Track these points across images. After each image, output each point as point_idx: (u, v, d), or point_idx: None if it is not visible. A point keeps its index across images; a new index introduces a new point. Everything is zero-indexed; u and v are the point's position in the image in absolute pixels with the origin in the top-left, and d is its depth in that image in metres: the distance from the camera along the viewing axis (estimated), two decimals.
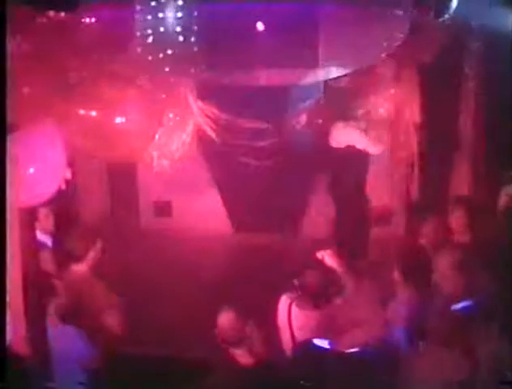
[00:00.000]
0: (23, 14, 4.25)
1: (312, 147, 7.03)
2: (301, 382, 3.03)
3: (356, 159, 6.35)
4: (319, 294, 3.64)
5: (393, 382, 3.14)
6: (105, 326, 4.16)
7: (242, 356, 3.48)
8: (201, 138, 7.05)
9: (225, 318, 3.53)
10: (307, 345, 3.29)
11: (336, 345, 3.12)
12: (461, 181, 6.53)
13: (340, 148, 6.32)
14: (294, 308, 3.88)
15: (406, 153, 6.55)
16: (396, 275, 3.98)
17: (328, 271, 3.90)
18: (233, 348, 3.50)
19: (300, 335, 3.79)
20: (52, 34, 4.67)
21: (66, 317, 3.84)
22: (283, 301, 3.97)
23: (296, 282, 3.87)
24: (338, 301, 3.32)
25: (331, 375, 3.07)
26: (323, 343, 3.17)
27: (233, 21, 6.22)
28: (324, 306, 3.29)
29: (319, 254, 4.00)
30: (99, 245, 4.58)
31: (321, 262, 3.95)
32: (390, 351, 3.40)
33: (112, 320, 4.26)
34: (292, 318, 3.86)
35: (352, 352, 3.12)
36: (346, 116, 6.44)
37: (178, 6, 5.86)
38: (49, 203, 4.49)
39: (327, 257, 4.00)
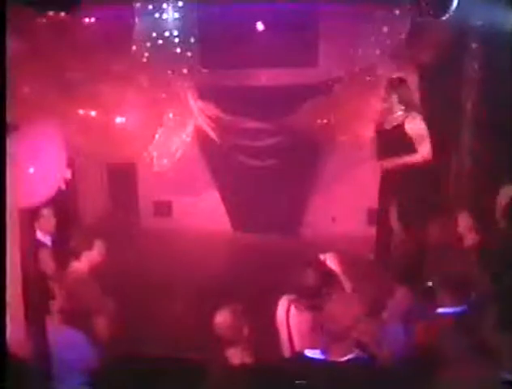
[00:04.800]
0: (23, 14, 4.26)
1: (312, 147, 7.04)
2: (296, 381, 3.01)
3: None
4: (318, 296, 3.62)
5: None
6: (104, 326, 4.15)
7: (240, 357, 3.47)
8: (201, 138, 7.06)
9: (223, 317, 3.52)
10: (299, 356, 3.26)
11: (328, 355, 3.08)
12: (461, 181, 6.53)
13: None
14: (292, 310, 3.86)
15: None
16: (395, 276, 3.98)
17: (327, 272, 3.88)
18: (230, 347, 3.49)
19: (298, 338, 3.77)
20: (52, 34, 4.68)
21: (65, 317, 3.84)
22: (282, 303, 3.95)
23: (295, 283, 3.84)
24: (336, 302, 3.29)
25: (327, 381, 3.05)
26: (315, 353, 3.13)
27: (233, 21, 6.27)
28: (322, 308, 3.26)
29: (321, 256, 3.99)
30: (99, 244, 4.58)
31: (320, 264, 3.93)
32: (386, 354, 3.39)
33: (111, 320, 4.26)
34: (291, 320, 3.83)
35: (345, 361, 3.08)
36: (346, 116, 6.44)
37: (178, 6, 5.90)
38: (49, 203, 4.49)
39: (329, 259, 3.99)
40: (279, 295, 4.03)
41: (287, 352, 3.78)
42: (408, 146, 5.70)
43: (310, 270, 3.76)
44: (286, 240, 7.11)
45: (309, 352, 3.15)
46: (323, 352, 3.09)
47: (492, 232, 4.72)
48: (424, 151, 5.68)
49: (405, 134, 5.68)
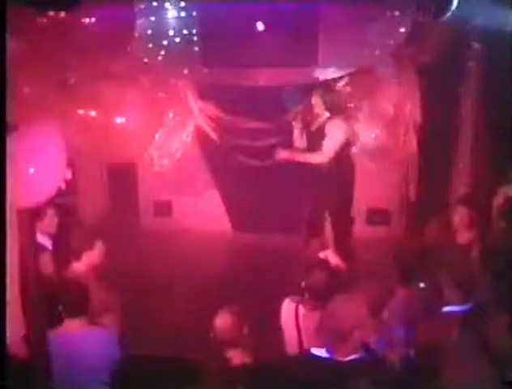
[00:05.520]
0: (23, 14, 4.25)
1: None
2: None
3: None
4: (327, 295, 3.60)
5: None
6: (104, 326, 4.14)
7: (240, 357, 3.46)
8: (201, 138, 7.06)
9: (223, 320, 3.51)
10: (306, 355, 3.25)
11: (334, 355, 3.08)
12: (461, 182, 6.53)
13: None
14: (302, 311, 3.82)
15: (406, 153, 6.55)
16: (395, 276, 3.98)
17: (333, 270, 3.87)
18: (230, 348, 3.48)
19: (309, 338, 3.73)
20: (52, 34, 4.67)
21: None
22: (288, 304, 3.92)
23: (302, 284, 3.81)
24: (342, 302, 3.28)
25: (330, 380, 3.04)
26: (321, 351, 3.12)
27: (233, 21, 6.25)
28: (329, 308, 3.25)
29: (322, 254, 3.98)
30: (100, 245, 4.57)
31: (326, 262, 3.93)
32: (387, 353, 3.38)
33: (111, 320, 4.25)
34: (300, 321, 3.79)
35: (349, 360, 3.07)
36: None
37: (178, 6, 5.89)
38: (49, 203, 4.48)
39: (330, 255, 3.99)
40: (279, 295, 4.03)
41: (295, 353, 3.76)
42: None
43: (317, 270, 3.75)
44: (286, 240, 7.10)
45: (315, 351, 3.14)
46: (328, 352, 3.09)
47: (492, 232, 4.73)
48: (324, 154, 5.89)
49: (324, 136, 5.88)
